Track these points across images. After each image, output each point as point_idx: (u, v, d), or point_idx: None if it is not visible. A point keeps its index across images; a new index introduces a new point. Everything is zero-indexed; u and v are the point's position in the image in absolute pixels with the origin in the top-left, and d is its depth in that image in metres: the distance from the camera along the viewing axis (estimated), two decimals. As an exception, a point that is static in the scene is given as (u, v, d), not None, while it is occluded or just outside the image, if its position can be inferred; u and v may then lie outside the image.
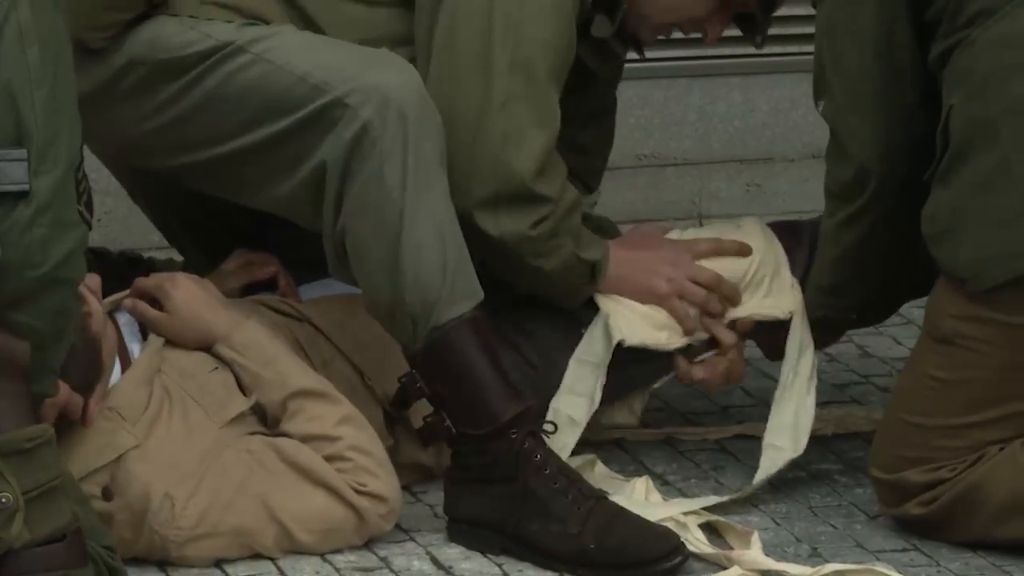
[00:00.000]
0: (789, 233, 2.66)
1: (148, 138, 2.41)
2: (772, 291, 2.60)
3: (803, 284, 2.65)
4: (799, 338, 2.56)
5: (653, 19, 2.49)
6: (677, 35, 2.65)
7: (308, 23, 2.42)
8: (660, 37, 2.61)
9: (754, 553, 2.33)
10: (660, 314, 2.50)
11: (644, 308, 2.51)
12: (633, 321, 2.51)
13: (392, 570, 2.29)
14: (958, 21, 2.42)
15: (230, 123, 2.35)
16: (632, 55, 2.59)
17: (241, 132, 2.36)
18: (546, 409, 2.45)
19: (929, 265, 2.47)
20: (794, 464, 2.60)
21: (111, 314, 2.33)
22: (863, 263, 2.65)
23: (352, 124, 2.29)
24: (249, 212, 2.50)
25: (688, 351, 2.53)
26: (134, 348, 2.38)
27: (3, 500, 2.04)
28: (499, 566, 2.32)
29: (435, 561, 2.33)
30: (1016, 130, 2.35)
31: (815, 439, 2.69)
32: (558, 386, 2.47)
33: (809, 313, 2.64)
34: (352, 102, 2.27)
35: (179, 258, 2.73)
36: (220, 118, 2.36)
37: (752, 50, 2.59)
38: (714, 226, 2.76)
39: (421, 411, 2.37)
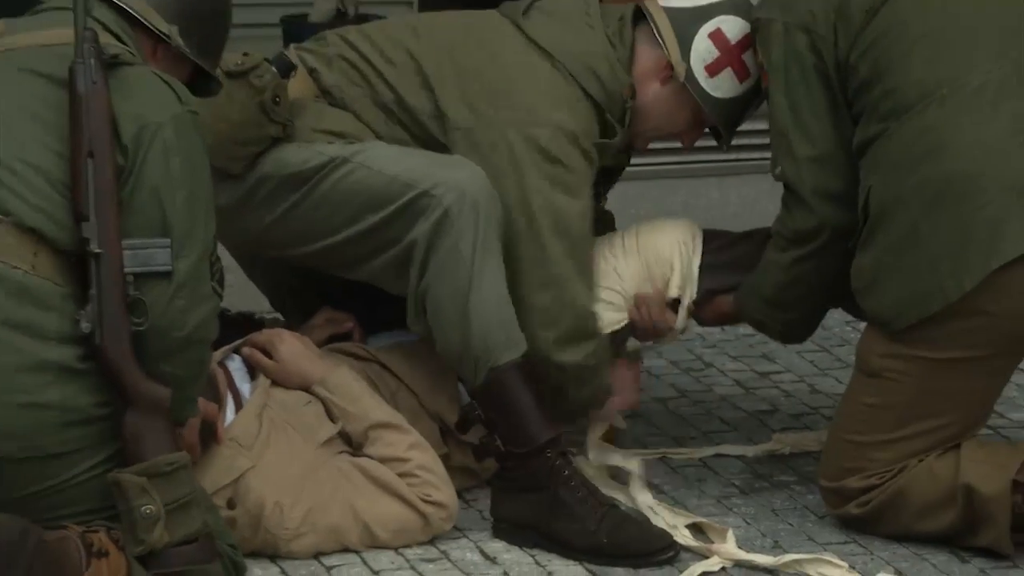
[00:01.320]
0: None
1: (273, 235, 2.81)
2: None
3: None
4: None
5: (646, 133, 2.92)
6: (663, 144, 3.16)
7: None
8: (650, 146, 3.06)
9: (730, 546, 2.68)
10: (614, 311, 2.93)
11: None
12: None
13: (450, 560, 2.67)
14: (877, 115, 2.72)
15: (340, 218, 2.73)
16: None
17: (348, 224, 2.73)
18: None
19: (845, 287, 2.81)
20: (760, 476, 3.00)
21: (222, 361, 2.70)
22: (808, 291, 2.96)
23: (437, 209, 2.67)
24: (337, 279, 2.86)
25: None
26: (244, 388, 2.74)
27: (148, 511, 2.39)
28: (532, 556, 2.70)
29: (483, 553, 2.71)
30: (923, 202, 2.63)
31: (777, 457, 3.11)
32: None
33: (746, 316, 2.99)
34: (436, 192, 2.66)
35: (281, 318, 3.10)
36: (332, 215, 2.73)
37: (725, 155, 3.07)
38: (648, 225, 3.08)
39: (476, 432, 2.76)
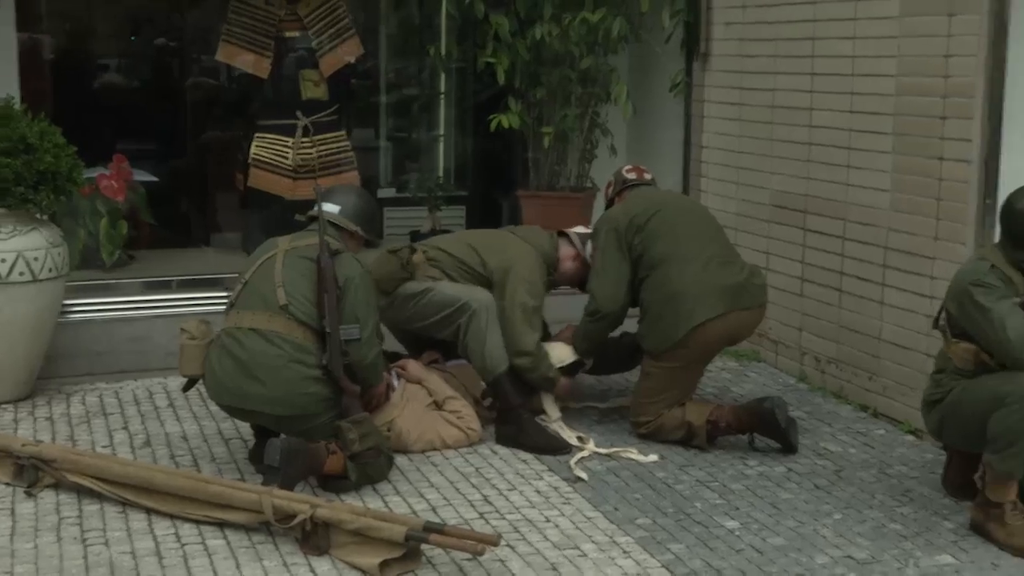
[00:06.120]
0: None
1: (403, 318, 5.73)
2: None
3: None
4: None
5: (557, 275, 5.97)
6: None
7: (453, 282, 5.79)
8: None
9: (591, 445, 5.48)
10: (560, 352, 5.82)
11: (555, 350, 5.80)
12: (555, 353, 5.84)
13: (479, 455, 5.48)
14: (643, 267, 5.50)
15: (431, 312, 5.64)
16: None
17: (435, 314, 5.62)
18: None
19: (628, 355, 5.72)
20: (609, 419, 5.88)
21: (387, 371, 5.51)
22: (595, 344, 5.69)
23: (468, 310, 5.57)
24: (431, 337, 5.84)
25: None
26: (396, 383, 5.56)
27: (352, 436, 4.78)
28: (513, 453, 5.49)
29: (492, 450, 5.52)
30: (662, 302, 5.34)
31: (616, 409, 5.99)
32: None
33: (575, 347, 5.74)
34: (469, 303, 5.59)
35: (405, 352, 6.02)
36: (427, 312, 5.64)
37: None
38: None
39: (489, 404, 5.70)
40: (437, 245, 5.93)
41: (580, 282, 5.96)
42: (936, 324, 4.86)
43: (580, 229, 6.11)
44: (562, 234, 6.04)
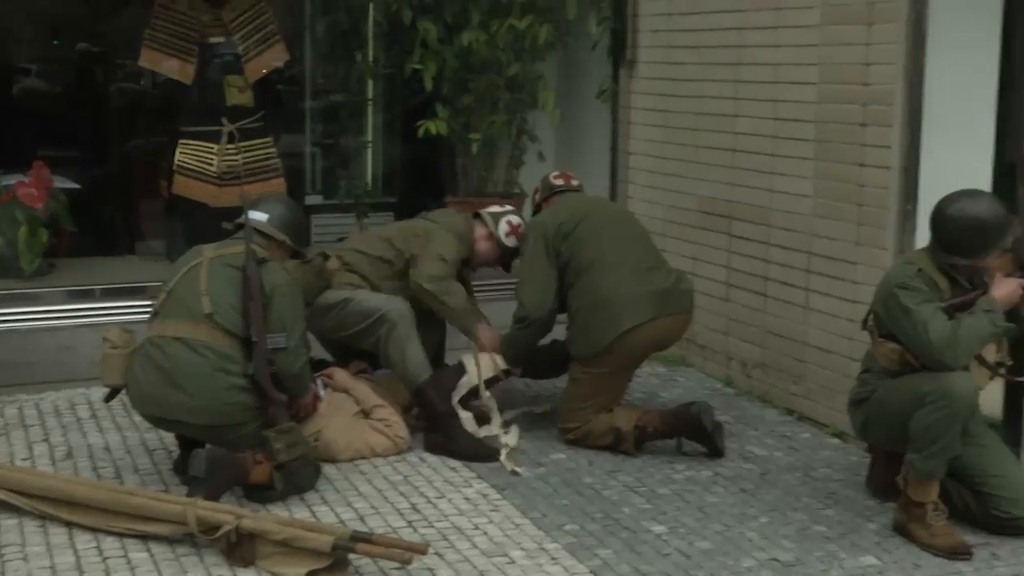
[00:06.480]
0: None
1: (326, 327, 5.75)
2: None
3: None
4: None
5: (473, 258, 6.00)
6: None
7: (374, 287, 5.82)
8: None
9: (514, 438, 5.56)
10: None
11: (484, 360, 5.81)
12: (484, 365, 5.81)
13: (407, 463, 5.44)
14: (571, 272, 5.52)
15: (351, 323, 5.67)
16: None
17: (355, 325, 5.66)
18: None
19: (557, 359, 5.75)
20: (535, 422, 5.89)
21: (314, 380, 5.55)
22: (524, 351, 5.67)
23: (388, 321, 5.61)
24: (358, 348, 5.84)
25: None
26: (322, 392, 5.55)
27: (278, 446, 4.76)
28: (442, 460, 5.44)
29: (420, 458, 5.51)
30: (589, 308, 5.36)
31: (551, 412, 6.00)
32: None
33: (502, 352, 5.68)
34: (389, 315, 5.63)
35: (334, 360, 5.97)
36: (348, 322, 5.67)
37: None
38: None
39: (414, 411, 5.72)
40: (353, 247, 5.97)
41: (496, 261, 6.06)
42: (864, 325, 4.92)
43: (494, 208, 6.16)
44: (476, 216, 6.07)
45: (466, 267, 6.04)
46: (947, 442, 4.54)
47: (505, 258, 6.05)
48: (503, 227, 5.99)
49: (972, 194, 4.69)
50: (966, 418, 4.56)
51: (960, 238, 4.60)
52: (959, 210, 4.61)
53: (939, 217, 4.70)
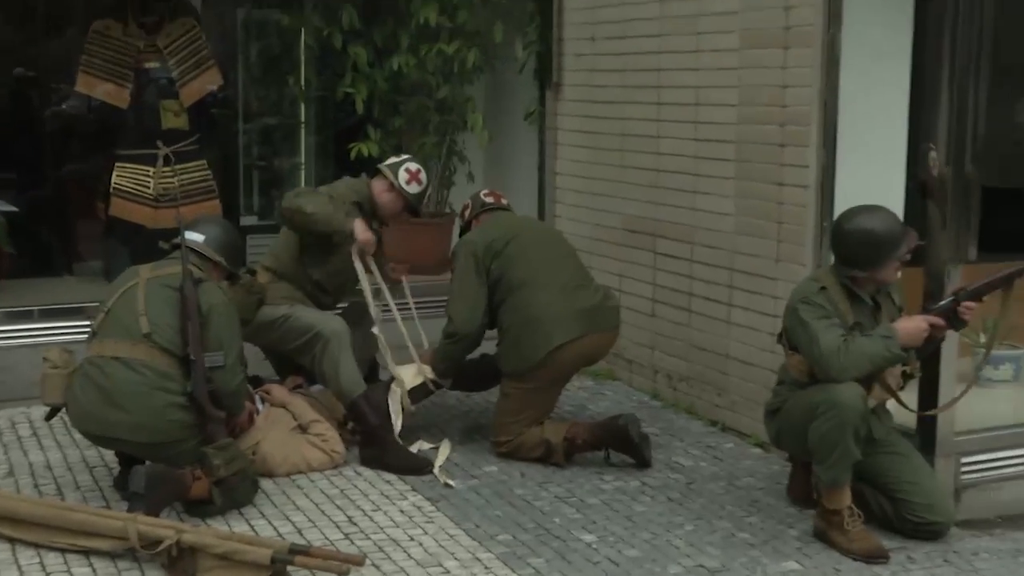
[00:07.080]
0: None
1: (266, 342, 5.87)
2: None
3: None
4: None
5: (380, 212, 6.08)
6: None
7: (302, 287, 5.92)
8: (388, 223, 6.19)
9: (446, 450, 5.69)
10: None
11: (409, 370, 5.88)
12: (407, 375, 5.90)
13: (343, 477, 5.52)
14: (501, 290, 5.59)
15: (290, 339, 5.76)
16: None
17: (293, 341, 5.75)
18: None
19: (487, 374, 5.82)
20: (472, 428, 5.95)
21: (251, 395, 5.60)
22: (454, 364, 5.74)
23: (323, 338, 5.70)
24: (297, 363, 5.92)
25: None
26: (260, 407, 5.64)
27: (216, 462, 4.79)
28: (378, 474, 5.50)
29: (356, 471, 5.56)
30: (520, 325, 5.45)
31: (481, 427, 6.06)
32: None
33: (433, 366, 5.76)
34: (323, 331, 5.72)
35: (277, 377, 6.10)
36: (288, 338, 5.76)
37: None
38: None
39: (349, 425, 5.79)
40: (271, 252, 6.07)
41: (402, 209, 6.10)
42: (779, 339, 5.05)
43: (391, 160, 6.22)
44: (376, 172, 6.15)
45: (376, 221, 6.06)
46: (843, 449, 4.62)
47: (410, 206, 6.08)
48: (402, 175, 6.02)
49: (869, 209, 4.82)
50: (856, 426, 4.65)
51: (857, 251, 4.71)
52: (856, 224, 4.72)
53: (838, 232, 4.83)
